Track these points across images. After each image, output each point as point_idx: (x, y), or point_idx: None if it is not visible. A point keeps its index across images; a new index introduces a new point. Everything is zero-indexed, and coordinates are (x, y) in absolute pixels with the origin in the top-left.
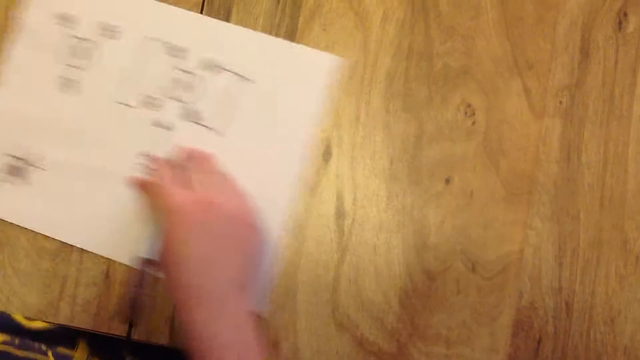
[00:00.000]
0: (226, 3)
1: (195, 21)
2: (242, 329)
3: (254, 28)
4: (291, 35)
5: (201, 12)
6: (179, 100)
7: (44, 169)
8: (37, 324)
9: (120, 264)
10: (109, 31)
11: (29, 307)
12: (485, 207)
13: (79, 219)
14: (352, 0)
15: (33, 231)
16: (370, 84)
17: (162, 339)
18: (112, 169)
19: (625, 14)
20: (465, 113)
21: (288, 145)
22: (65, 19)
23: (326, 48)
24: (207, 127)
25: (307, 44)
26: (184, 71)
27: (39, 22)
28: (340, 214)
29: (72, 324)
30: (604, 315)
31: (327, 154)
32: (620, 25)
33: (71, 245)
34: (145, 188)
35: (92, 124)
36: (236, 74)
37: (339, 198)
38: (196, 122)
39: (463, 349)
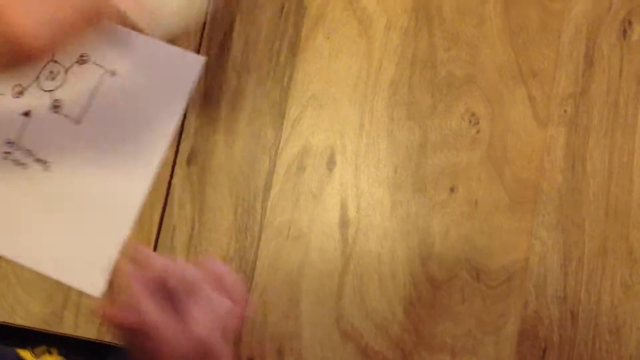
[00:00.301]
0: (229, 13)
1: None
2: None
3: (257, 37)
4: (294, 44)
5: (204, 21)
6: (44, 90)
7: None
8: None
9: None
10: None
11: (32, 316)
12: (490, 215)
13: None
14: (355, 9)
15: None
16: (374, 92)
17: None
18: None
19: (630, 23)
20: (470, 121)
21: (145, 142)
22: None
23: (330, 56)
24: (65, 115)
25: (310, 53)
26: (52, 61)
27: None
28: (344, 223)
29: (76, 334)
30: (610, 324)
31: (331, 163)
32: (624, 33)
33: None
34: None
35: None
36: (100, 66)
37: (343, 206)
38: (55, 111)
39: (468, 358)
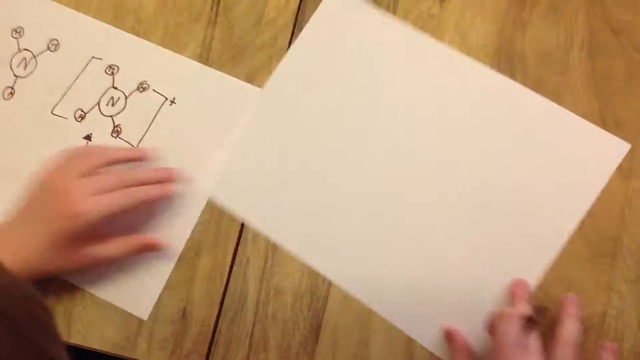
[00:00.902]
0: None
1: (129, 41)
2: None
3: None
4: None
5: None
6: (104, 114)
7: None
8: None
9: (198, 302)
10: (52, 44)
11: (106, 340)
12: (569, 266)
13: None
14: None
15: None
16: None
17: None
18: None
19: None
20: None
21: (197, 169)
22: (16, 31)
23: None
24: (124, 139)
25: None
26: (114, 87)
27: None
28: None
29: None
30: None
31: None
32: None
33: None
34: None
35: (26, 132)
36: (160, 94)
37: None
38: (115, 136)
39: None
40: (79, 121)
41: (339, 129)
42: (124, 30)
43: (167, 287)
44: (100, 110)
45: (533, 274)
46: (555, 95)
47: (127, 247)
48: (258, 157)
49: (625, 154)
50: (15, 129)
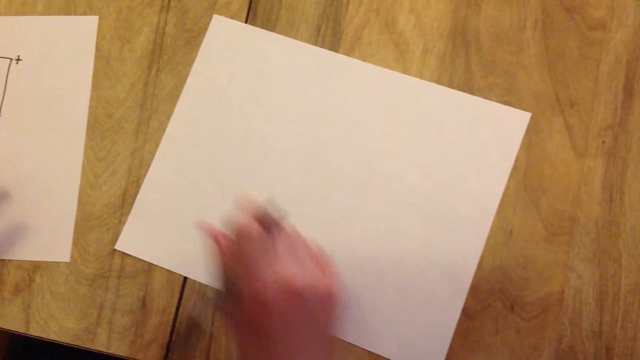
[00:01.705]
0: None
1: None
2: None
3: None
4: None
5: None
6: None
7: None
8: None
9: (157, 291)
10: None
11: (66, 331)
12: (525, 246)
13: None
14: (392, 33)
15: (72, 255)
16: None
17: None
18: None
19: None
20: None
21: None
22: None
23: None
24: None
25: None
26: None
27: None
28: None
29: (108, 351)
30: None
31: None
32: None
33: (109, 271)
34: (218, 249)
35: None
36: (4, 57)
37: None
38: None
39: None
40: None
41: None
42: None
43: (125, 276)
44: None
45: (472, 260)
46: (509, 75)
47: None
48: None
49: (527, 123)
50: None
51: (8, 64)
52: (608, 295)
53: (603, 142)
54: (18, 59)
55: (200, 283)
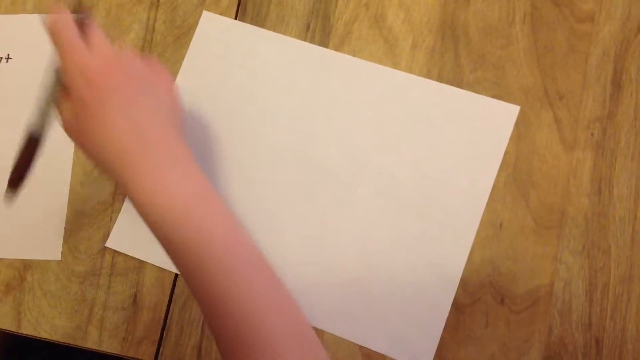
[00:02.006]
0: None
1: None
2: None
3: None
4: None
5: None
6: None
7: None
8: None
9: (149, 289)
10: None
11: (57, 329)
12: (515, 239)
13: None
14: (381, 28)
15: (63, 253)
16: None
17: None
18: None
19: None
20: None
21: None
22: None
23: None
24: None
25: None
26: None
27: None
28: None
29: (100, 349)
30: (635, 352)
31: None
32: None
33: (100, 269)
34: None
35: None
36: None
37: None
38: None
39: None
40: None
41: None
42: None
43: (116, 274)
44: None
45: (461, 253)
46: (498, 69)
47: None
48: None
49: (516, 116)
50: None
51: None
52: (597, 287)
53: (592, 134)
54: (8, 58)
55: None
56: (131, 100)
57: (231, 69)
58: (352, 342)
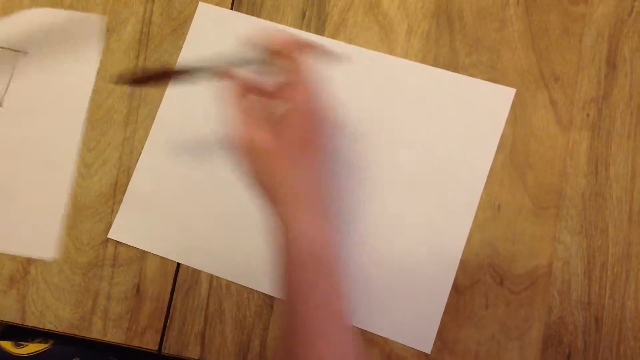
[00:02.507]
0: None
1: None
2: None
3: None
4: None
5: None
6: None
7: None
8: (28, 349)
9: (151, 278)
10: None
11: (61, 321)
12: (513, 220)
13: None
14: (377, 14)
15: (66, 246)
16: None
17: (194, 354)
18: None
19: None
20: None
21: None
22: None
23: None
24: None
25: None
26: None
27: None
28: None
29: (104, 339)
30: (634, 329)
31: None
32: None
33: (103, 260)
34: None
35: None
36: (12, 49)
37: None
38: None
39: None
40: None
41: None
42: (63, 8)
43: (119, 265)
44: None
45: (461, 235)
46: (493, 52)
47: None
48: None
49: (512, 99)
50: None
51: (16, 57)
52: (596, 265)
53: (587, 115)
54: (25, 52)
55: (193, 269)
56: (325, 154)
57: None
58: (354, 327)
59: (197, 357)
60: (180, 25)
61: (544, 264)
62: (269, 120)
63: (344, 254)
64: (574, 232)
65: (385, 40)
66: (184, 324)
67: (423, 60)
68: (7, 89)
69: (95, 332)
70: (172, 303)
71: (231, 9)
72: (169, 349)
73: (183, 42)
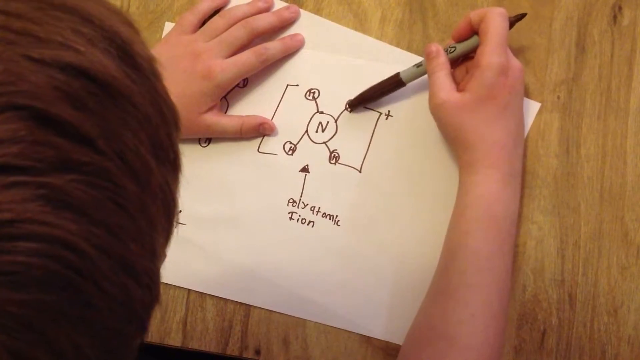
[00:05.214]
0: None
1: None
2: None
3: None
4: None
5: None
6: (316, 142)
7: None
8: None
9: None
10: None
11: None
12: None
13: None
14: (350, 3)
15: None
16: None
17: (176, 341)
18: (263, 218)
19: (620, 8)
20: None
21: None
22: None
23: None
24: (345, 165)
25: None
26: (319, 112)
27: None
28: None
29: None
30: (607, 306)
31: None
32: (615, 19)
33: None
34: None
35: (238, 176)
36: (374, 110)
37: None
38: (334, 162)
39: None
40: (291, 154)
41: None
42: None
43: None
44: (310, 138)
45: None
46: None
47: (244, 125)
48: None
49: (536, 113)
50: (222, 174)
51: (377, 118)
52: (568, 244)
53: (558, 97)
54: (388, 115)
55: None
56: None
57: None
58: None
59: (179, 345)
60: (157, 18)
61: (518, 243)
62: None
63: None
64: (547, 211)
65: (359, 29)
66: (166, 312)
67: (397, 47)
68: (367, 153)
69: None
70: None
71: None
72: (152, 336)
73: (161, 35)
